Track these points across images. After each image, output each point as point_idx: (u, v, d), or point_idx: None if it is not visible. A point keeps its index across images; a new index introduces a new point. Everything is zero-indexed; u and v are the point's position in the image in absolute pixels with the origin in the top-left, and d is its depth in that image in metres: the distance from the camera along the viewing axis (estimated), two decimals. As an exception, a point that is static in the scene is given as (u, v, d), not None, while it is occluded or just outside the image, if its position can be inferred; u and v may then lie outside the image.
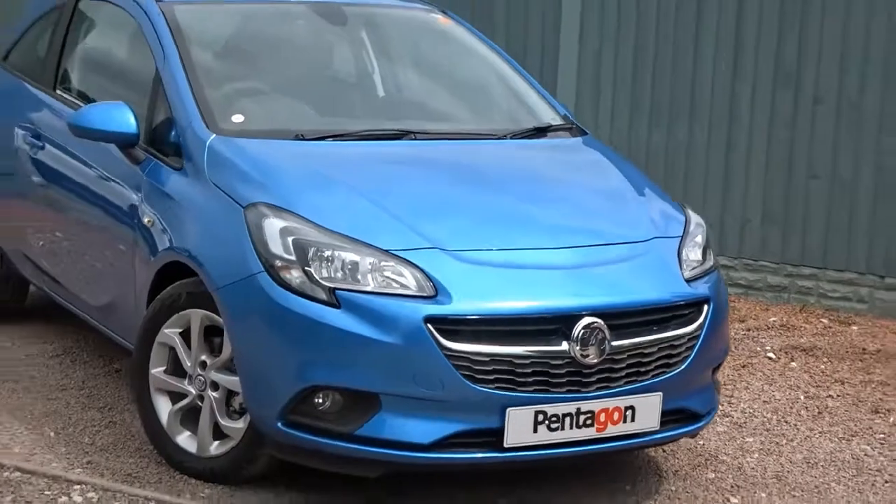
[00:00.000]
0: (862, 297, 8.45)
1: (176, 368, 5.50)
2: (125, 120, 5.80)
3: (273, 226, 5.12)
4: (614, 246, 5.38)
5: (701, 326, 5.34)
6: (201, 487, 5.38)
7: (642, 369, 5.17)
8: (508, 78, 6.57)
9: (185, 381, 5.46)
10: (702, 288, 5.42)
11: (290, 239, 5.07)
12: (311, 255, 5.02)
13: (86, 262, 6.33)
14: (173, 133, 5.74)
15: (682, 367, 5.28)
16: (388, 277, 4.99)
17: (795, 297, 8.62)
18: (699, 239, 5.63)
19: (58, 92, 6.80)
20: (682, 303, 5.31)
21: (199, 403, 5.42)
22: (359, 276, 4.98)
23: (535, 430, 5.00)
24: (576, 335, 4.99)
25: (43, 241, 6.78)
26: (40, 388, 6.52)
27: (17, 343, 7.22)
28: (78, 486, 5.34)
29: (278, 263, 5.04)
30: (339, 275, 4.99)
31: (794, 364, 7.40)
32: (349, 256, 5.02)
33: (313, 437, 5.03)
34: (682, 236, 5.58)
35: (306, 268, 5.00)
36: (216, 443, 5.40)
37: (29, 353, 7.07)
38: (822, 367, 7.37)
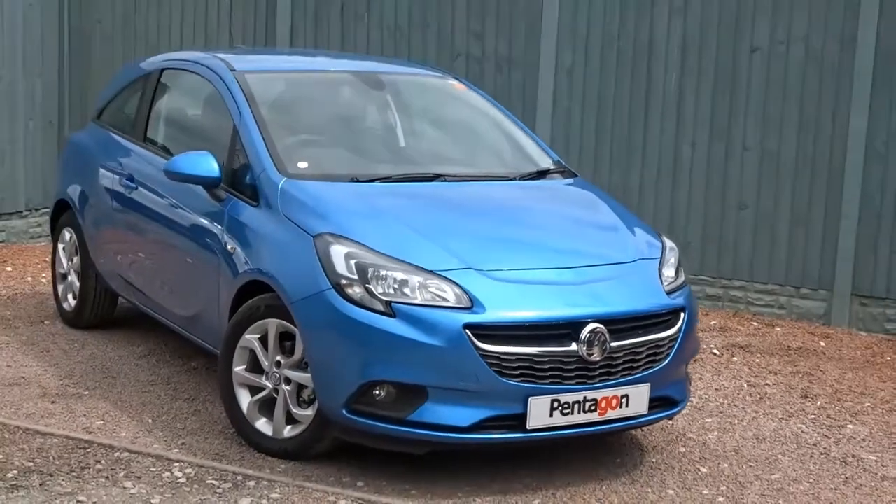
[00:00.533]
0: (782, 305, 8.46)
1: (254, 367, 5.45)
2: (210, 166, 5.75)
3: (338, 251, 5.08)
4: (608, 266, 5.37)
5: (679, 330, 5.33)
6: (277, 463, 5.31)
7: (634, 365, 5.16)
8: (511, 130, 6.54)
9: (263, 377, 5.40)
10: (679, 299, 5.41)
11: (352, 262, 5.03)
12: (370, 274, 4.98)
13: (175, 281, 6.26)
14: (249, 176, 5.70)
15: (665, 362, 5.27)
16: (432, 292, 4.96)
17: (729, 305, 8.62)
18: (672, 260, 5.63)
19: (147, 143, 6.73)
20: (664, 311, 5.31)
21: (275, 395, 5.37)
22: (409, 291, 4.96)
23: (551, 415, 4.98)
24: (583, 338, 4.98)
25: (135, 263, 6.70)
26: (134, 384, 6.42)
27: (110, 346, 7.12)
28: (177, 464, 5.27)
29: (343, 282, 5.00)
30: (393, 290, 4.96)
31: (735, 359, 7.39)
32: (401, 275, 4.99)
33: (372, 421, 4.99)
34: (660, 258, 5.57)
35: (367, 285, 4.97)
36: (288, 427, 5.34)
37: (121, 354, 6.97)
38: (758, 360, 7.36)
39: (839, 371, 7.20)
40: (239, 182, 5.76)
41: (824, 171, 8.31)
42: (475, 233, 5.39)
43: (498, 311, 4.93)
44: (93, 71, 10.49)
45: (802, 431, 6.14)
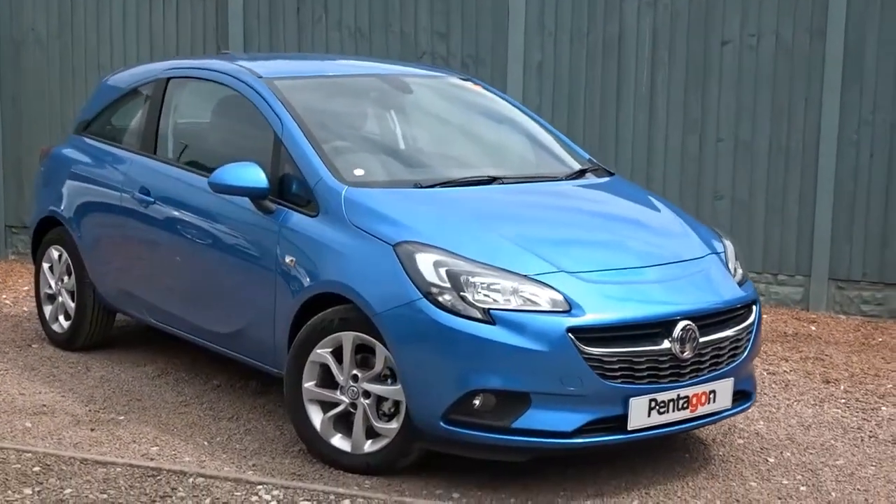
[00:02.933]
0: (761, 291, 8.58)
1: (325, 382, 5.29)
2: (259, 177, 5.56)
3: (426, 259, 4.97)
4: (684, 263, 5.37)
5: (753, 323, 5.38)
6: (362, 479, 5.18)
7: (719, 360, 5.19)
8: (538, 130, 6.50)
9: (337, 392, 5.24)
10: (750, 292, 5.46)
11: (442, 269, 4.93)
12: (463, 281, 4.88)
13: (209, 296, 6.02)
14: (300, 186, 5.52)
15: (744, 356, 5.31)
16: (525, 297, 4.89)
17: (708, 295, 8.71)
18: (734, 254, 5.67)
19: (162, 155, 6.47)
20: (741, 305, 5.34)
21: (351, 410, 5.22)
22: (503, 297, 4.88)
23: (649, 415, 4.97)
24: (675, 336, 4.98)
25: (152, 279, 6.43)
26: (163, 405, 6.17)
27: (116, 367, 6.83)
28: (261, 486, 5.08)
29: (434, 290, 4.90)
30: (490, 297, 4.87)
31: (742, 348, 7.48)
32: (494, 281, 4.91)
33: (473, 431, 4.90)
34: (724, 252, 5.60)
35: (461, 293, 4.87)
36: (369, 441, 5.20)
37: (132, 375, 6.69)
38: (763, 348, 7.47)
39: (843, 354, 7.37)
40: (287, 192, 5.59)
41: (798, 159, 8.49)
42: (553, 235, 5.34)
43: (597, 313, 4.89)
44: (25, 80, 10.02)
45: (842, 416, 6.26)
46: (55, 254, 7.22)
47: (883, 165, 8.33)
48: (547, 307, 4.86)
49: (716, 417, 5.27)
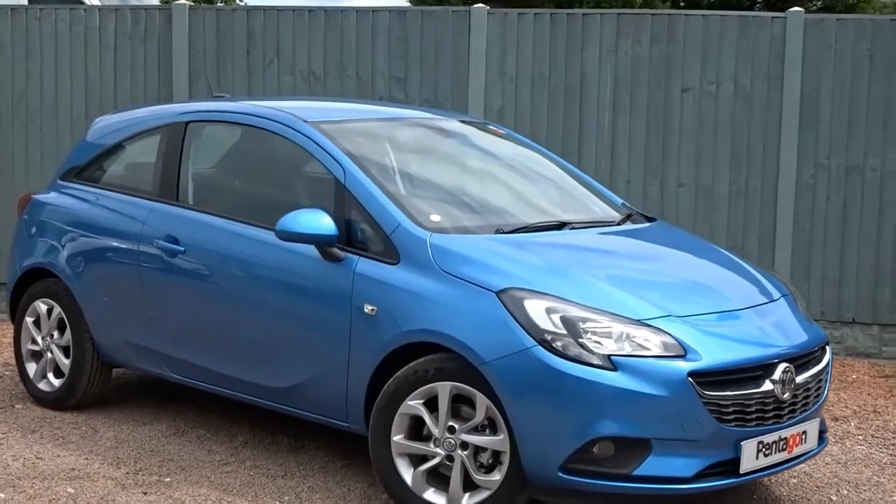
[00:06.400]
0: (723, 333, 8.76)
1: (413, 434, 5.12)
2: (328, 224, 5.36)
3: (537, 306, 4.88)
4: (766, 305, 5.43)
5: (829, 362, 5.47)
6: (463, 534, 5.02)
7: (808, 401, 5.25)
8: (576, 176, 6.48)
9: (431, 444, 5.08)
10: (823, 333, 5.55)
11: (556, 316, 4.85)
12: (581, 328, 4.81)
13: (262, 350, 5.73)
14: (374, 233, 5.35)
15: (823, 395, 5.40)
16: (637, 342, 4.85)
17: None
18: (799, 297, 5.77)
19: (182, 202, 6.17)
20: (820, 345, 5.43)
21: (447, 463, 5.06)
22: (618, 343, 4.83)
23: (757, 457, 4.99)
24: (776, 377, 5.02)
25: (181, 332, 6.10)
26: (201, 465, 5.85)
27: (125, 426, 6.45)
28: (367, 545, 4.87)
29: (549, 337, 4.80)
30: (608, 343, 4.81)
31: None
32: (609, 327, 4.85)
33: (592, 480, 4.81)
34: (791, 294, 5.68)
35: (579, 339, 4.79)
36: (466, 495, 5.05)
37: (148, 434, 6.33)
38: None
39: (833, 392, 7.56)
40: (356, 240, 5.40)
41: (757, 203, 8.73)
42: (647, 279, 5.33)
43: (712, 356, 4.88)
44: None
45: (869, 452, 6.42)
46: (43, 308, 6.79)
47: (838, 207, 8.65)
48: (660, 352, 4.84)
49: (805, 457, 5.34)
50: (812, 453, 5.38)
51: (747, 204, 8.75)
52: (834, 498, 5.69)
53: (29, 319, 6.86)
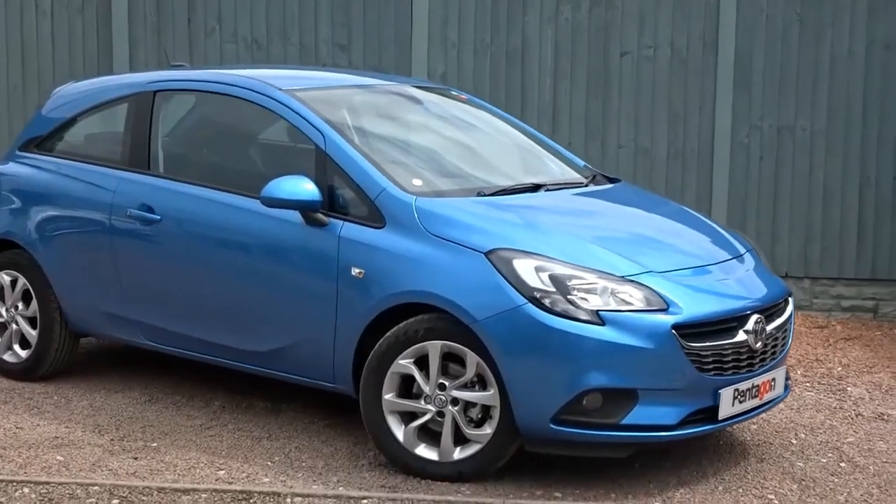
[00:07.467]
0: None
1: (403, 392, 5.28)
2: (312, 190, 5.47)
3: (525, 265, 5.06)
4: (733, 260, 5.67)
5: (791, 313, 5.75)
6: (454, 486, 5.19)
7: (776, 350, 5.52)
8: (539, 140, 6.65)
9: (422, 402, 5.24)
10: (784, 285, 5.82)
11: (544, 274, 5.03)
12: (568, 285, 5.00)
13: (244, 315, 5.81)
14: (357, 198, 5.47)
15: (788, 344, 5.68)
16: (621, 297, 5.06)
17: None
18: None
19: (154, 171, 6.21)
20: (785, 296, 5.70)
21: (438, 419, 5.23)
22: (604, 298, 5.03)
23: (733, 404, 5.25)
24: (750, 328, 5.27)
25: (156, 299, 6.15)
26: (184, 430, 5.93)
27: (98, 395, 6.49)
28: (365, 500, 5.02)
29: (538, 294, 4.99)
30: (595, 299, 5.01)
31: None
32: (596, 283, 5.05)
33: (582, 430, 5.02)
34: (754, 249, 5.94)
35: (567, 296, 4.99)
36: (458, 449, 5.23)
37: (122, 401, 6.38)
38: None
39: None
40: (338, 205, 5.52)
41: (694, 163, 9.01)
42: (623, 237, 5.54)
43: (693, 309, 5.12)
44: None
45: (819, 398, 6.74)
46: (6, 279, 6.77)
47: (771, 166, 8.97)
48: (644, 306, 5.05)
49: (773, 403, 5.61)
50: (779, 399, 5.66)
51: (685, 164, 9.02)
52: (794, 441, 5.99)
53: (-10, 291, 6.85)
